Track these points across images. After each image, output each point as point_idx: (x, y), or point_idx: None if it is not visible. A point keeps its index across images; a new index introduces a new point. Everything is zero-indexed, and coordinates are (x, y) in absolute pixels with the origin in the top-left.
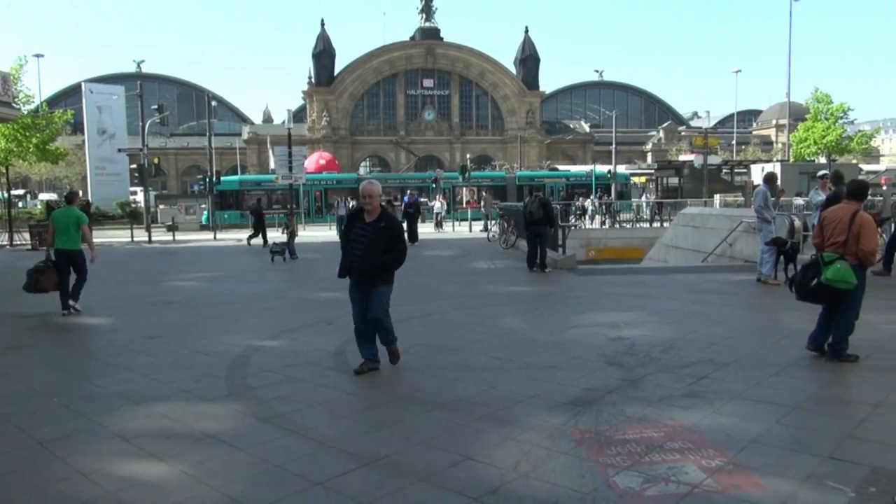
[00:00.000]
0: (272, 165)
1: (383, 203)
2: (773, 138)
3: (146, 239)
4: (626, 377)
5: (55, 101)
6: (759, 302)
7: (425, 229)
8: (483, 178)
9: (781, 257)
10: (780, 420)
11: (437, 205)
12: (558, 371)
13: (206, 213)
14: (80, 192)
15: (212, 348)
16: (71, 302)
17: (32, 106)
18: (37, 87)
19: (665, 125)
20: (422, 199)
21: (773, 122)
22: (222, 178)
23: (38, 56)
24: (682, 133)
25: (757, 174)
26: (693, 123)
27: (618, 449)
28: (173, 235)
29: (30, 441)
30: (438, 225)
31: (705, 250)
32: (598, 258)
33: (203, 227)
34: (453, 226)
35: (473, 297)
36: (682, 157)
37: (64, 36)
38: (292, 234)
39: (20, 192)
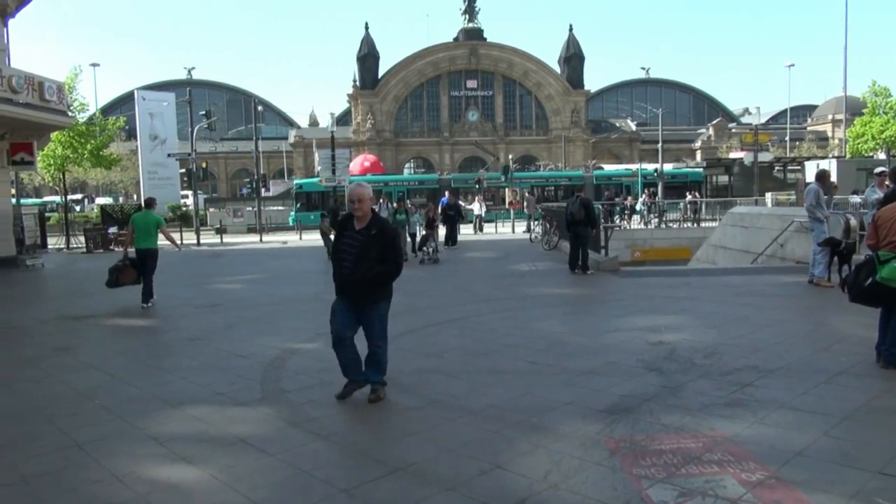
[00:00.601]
0: (317, 168)
1: (413, 205)
2: (829, 134)
3: (195, 241)
4: (665, 384)
5: (110, 108)
6: (809, 305)
7: (466, 230)
8: (560, 178)
9: (835, 258)
10: (827, 432)
11: (477, 206)
12: (595, 377)
13: (292, 214)
14: (154, 199)
15: (248, 351)
16: (144, 305)
17: (88, 114)
18: (92, 96)
19: (715, 122)
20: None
21: (829, 117)
22: (306, 181)
23: (94, 65)
24: (733, 130)
25: (811, 171)
26: (744, 120)
27: (653, 460)
28: (221, 238)
29: (69, 442)
30: (479, 228)
31: (755, 251)
32: (643, 259)
33: (246, 229)
34: (496, 227)
35: (512, 300)
36: (733, 155)
37: (120, 45)
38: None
39: (77, 196)
